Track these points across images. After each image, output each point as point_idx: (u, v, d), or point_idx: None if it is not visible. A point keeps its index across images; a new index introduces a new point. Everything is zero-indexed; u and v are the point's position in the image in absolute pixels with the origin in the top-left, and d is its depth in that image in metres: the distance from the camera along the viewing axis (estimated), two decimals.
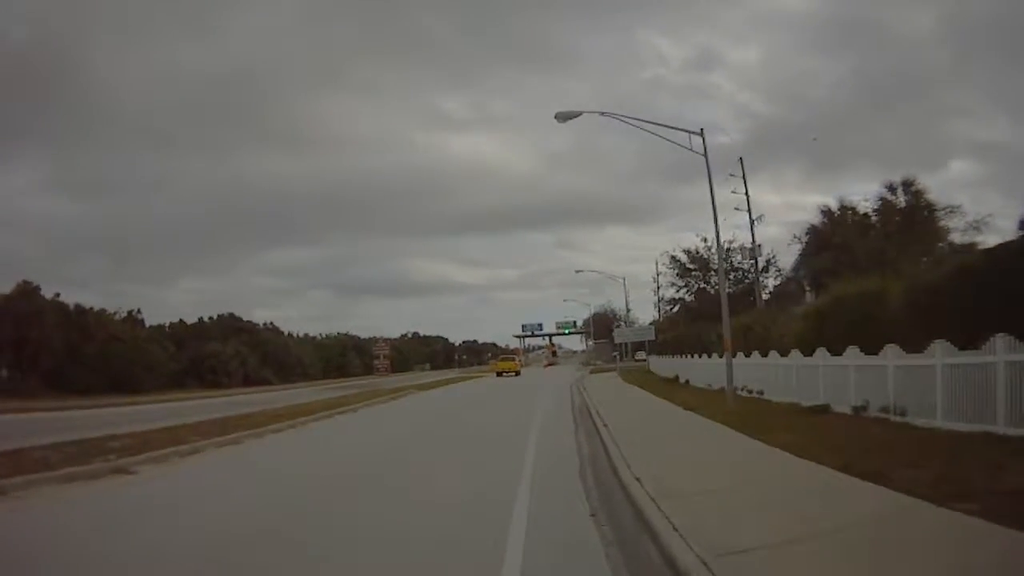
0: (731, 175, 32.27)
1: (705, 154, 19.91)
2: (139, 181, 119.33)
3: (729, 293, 38.12)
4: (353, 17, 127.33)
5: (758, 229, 38.17)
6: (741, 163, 36.12)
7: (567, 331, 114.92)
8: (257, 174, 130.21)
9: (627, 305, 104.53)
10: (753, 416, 14.10)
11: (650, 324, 58.32)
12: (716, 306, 37.21)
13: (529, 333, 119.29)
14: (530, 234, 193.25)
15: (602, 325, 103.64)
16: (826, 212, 29.04)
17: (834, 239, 27.45)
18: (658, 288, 60.40)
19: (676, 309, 38.61)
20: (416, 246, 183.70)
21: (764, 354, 20.22)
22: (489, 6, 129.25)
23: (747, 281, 35.62)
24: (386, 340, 35.84)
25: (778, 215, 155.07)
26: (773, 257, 35.60)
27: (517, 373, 58.68)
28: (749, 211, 35.15)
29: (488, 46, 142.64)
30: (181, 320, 72.61)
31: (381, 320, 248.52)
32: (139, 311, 61.64)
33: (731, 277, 36.21)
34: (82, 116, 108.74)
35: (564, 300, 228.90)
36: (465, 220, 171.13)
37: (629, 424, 14.50)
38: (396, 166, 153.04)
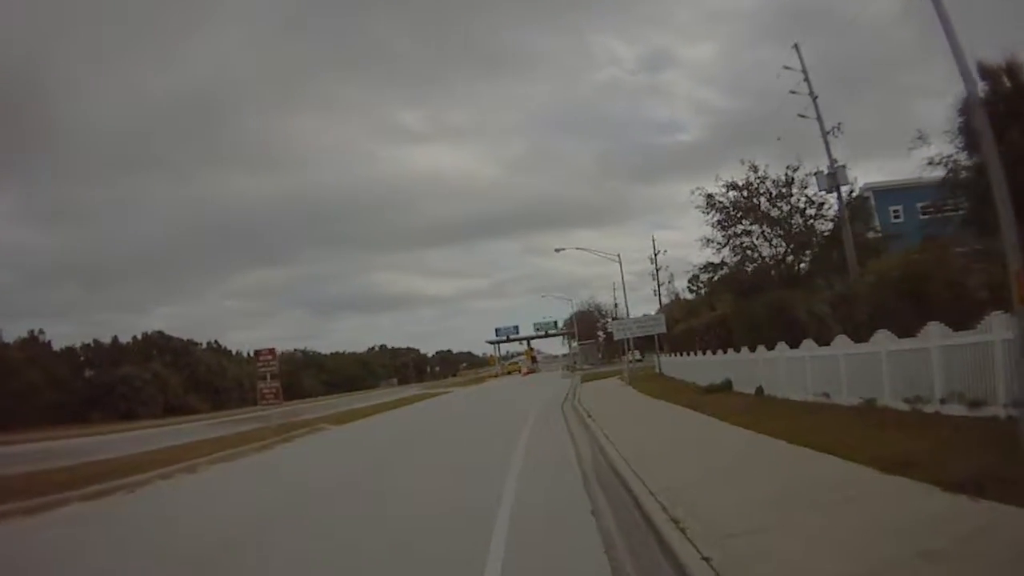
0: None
1: None
2: (109, 208, 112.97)
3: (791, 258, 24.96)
4: (308, 34, 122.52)
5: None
6: (797, 49, 24.28)
7: (547, 332, 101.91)
8: (225, 196, 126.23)
9: (623, 293, 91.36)
10: None
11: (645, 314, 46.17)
12: (764, 278, 24.56)
13: (504, 338, 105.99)
14: (497, 242, 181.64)
15: (586, 324, 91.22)
16: (987, 72, 14.78)
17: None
18: (657, 271, 48.15)
19: (716, 278, 25.33)
20: (384, 260, 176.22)
21: None
22: (442, 15, 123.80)
23: (814, 225, 23.13)
24: (271, 350, 22.73)
25: None
26: (852, 190, 23.28)
27: (520, 372, 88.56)
28: (818, 114, 22.97)
29: (443, 55, 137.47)
30: (96, 341, 62.11)
31: (357, 336, 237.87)
32: (41, 331, 55.80)
33: (797, 220, 23.45)
34: (47, 145, 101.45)
35: (542, 296, 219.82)
36: (430, 232, 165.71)
37: None
38: (360, 181, 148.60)
